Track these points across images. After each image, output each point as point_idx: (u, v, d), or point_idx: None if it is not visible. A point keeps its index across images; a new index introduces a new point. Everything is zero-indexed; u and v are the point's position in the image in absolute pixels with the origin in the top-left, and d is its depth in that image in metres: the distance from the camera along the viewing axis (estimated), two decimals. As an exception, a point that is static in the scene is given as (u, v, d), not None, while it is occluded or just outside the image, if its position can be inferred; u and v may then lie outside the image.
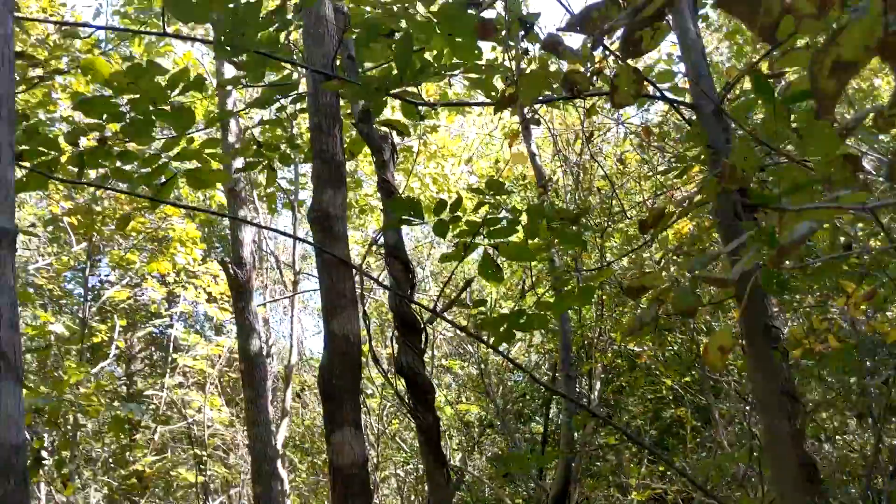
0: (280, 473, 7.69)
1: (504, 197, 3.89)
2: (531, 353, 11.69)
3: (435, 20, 3.51)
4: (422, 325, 3.66)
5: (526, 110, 6.23)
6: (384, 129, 4.46)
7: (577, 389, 9.14)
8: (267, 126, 5.96)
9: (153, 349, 14.69)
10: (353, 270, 3.54)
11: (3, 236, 2.26)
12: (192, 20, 3.19)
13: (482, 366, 10.59)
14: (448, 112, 10.43)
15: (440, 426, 3.66)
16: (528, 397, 11.20)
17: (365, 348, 3.82)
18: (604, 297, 8.66)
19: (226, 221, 11.81)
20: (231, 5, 3.11)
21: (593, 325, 9.12)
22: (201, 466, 11.94)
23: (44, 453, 7.06)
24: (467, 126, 13.07)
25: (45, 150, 4.03)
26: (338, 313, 3.33)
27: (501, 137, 10.23)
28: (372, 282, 4.18)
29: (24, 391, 2.66)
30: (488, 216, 3.70)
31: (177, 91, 3.80)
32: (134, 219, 9.81)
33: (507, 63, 4.04)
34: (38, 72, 5.29)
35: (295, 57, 5.02)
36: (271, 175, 5.72)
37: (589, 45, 2.87)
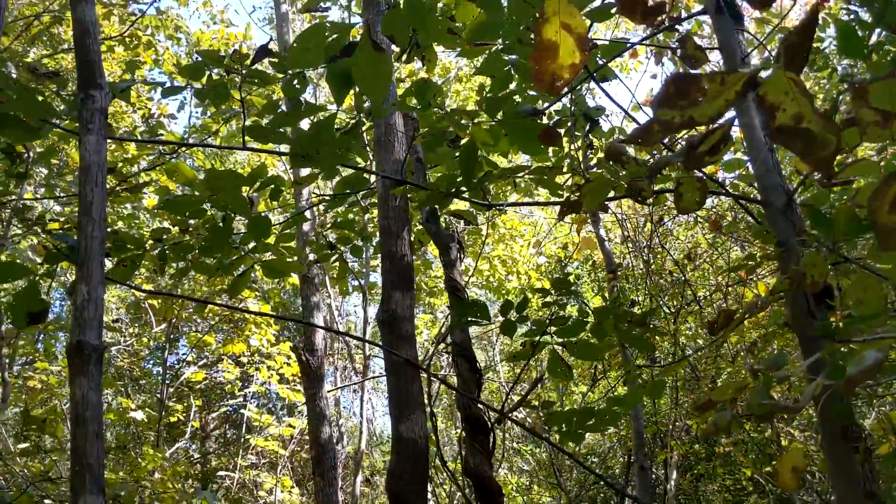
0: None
1: (572, 277, 3.90)
2: (605, 440, 11.41)
3: (499, 126, 3.59)
4: (490, 426, 3.64)
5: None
6: (452, 221, 4.55)
7: (653, 476, 8.86)
8: (339, 218, 6.14)
9: (227, 426, 14.92)
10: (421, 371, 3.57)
11: (92, 352, 2.39)
12: (269, 142, 3.36)
13: (553, 452, 10.38)
14: (516, 195, 10.53)
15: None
16: (602, 484, 10.89)
17: (432, 445, 3.82)
18: (678, 383, 8.45)
19: (298, 301, 12.08)
20: (304, 122, 3.26)
21: (668, 412, 8.88)
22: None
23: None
24: (535, 208, 13.17)
25: (130, 247, 4.24)
26: (405, 416, 3.35)
27: (570, 220, 10.25)
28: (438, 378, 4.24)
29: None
30: (555, 314, 3.71)
31: (255, 185, 3.98)
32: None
33: (572, 154, 4.09)
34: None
35: (367, 149, 5.21)
36: (343, 266, 5.87)
37: (652, 159, 2.91)
